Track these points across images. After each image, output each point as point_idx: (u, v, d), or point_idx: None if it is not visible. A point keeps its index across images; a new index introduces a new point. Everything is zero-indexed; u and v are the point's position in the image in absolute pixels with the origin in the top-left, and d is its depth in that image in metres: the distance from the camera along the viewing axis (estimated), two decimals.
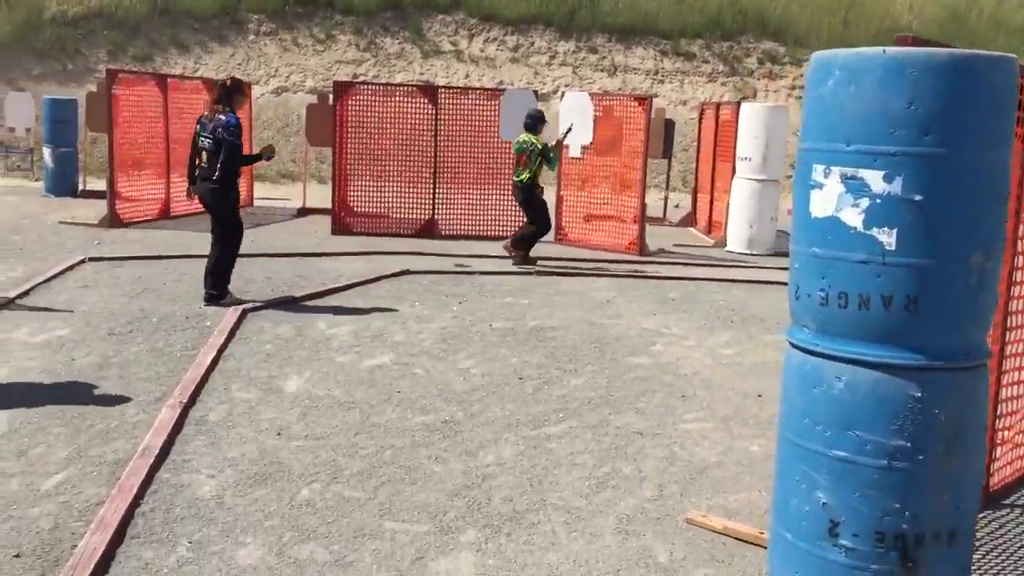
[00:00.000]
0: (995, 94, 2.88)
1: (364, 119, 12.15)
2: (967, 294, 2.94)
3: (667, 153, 14.85)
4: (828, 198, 3.02)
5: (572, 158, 12.14)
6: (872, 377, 2.98)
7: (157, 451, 4.43)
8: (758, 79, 23.41)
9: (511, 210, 12.45)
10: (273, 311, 7.52)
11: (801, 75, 23.60)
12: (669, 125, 14.87)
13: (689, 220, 14.97)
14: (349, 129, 12.08)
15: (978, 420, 3.08)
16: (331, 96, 12.71)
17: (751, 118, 12.28)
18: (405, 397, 5.63)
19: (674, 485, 4.52)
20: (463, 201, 12.45)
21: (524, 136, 10.32)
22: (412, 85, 13.67)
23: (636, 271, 10.38)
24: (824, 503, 3.08)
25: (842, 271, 3.00)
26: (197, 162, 7.62)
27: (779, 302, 9.06)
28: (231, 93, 7.61)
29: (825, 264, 3.04)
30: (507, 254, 10.32)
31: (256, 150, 10.12)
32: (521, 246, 10.30)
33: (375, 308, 7.85)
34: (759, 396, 6.05)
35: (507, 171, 12.38)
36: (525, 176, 10.22)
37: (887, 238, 2.91)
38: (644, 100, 11.73)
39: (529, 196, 10.30)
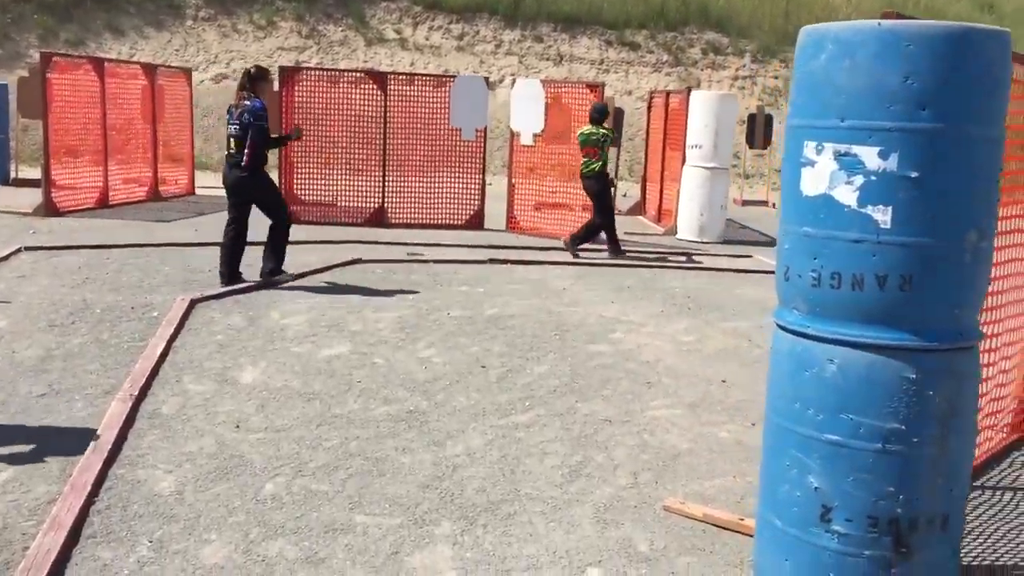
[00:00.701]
0: (991, 68, 2.82)
1: (311, 106, 11.88)
2: (962, 273, 2.89)
3: (616, 142, 14.78)
4: (820, 176, 2.94)
5: (523, 146, 12.03)
6: (866, 359, 2.92)
7: (110, 446, 4.21)
8: (702, 69, 23.53)
9: (461, 198, 12.32)
10: (223, 301, 7.27)
11: (743, 65, 23.81)
12: (619, 113, 14.82)
13: (638, 208, 14.95)
14: (295, 116, 11.78)
15: (971, 402, 3.03)
16: (275, 82, 12.40)
17: (701, 106, 12.29)
18: (366, 387, 5.47)
19: (648, 473, 4.44)
20: (413, 189, 12.26)
21: (588, 128, 10.41)
22: (361, 71, 13.41)
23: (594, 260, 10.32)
24: (816, 488, 3.01)
25: (835, 250, 2.92)
26: (226, 149, 7.77)
27: (733, 289, 9.10)
28: (255, 80, 7.69)
29: (818, 244, 2.96)
30: (613, 257, 10.39)
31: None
32: (614, 240, 10.49)
33: (329, 297, 7.65)
34: (723, 382, 6.00)
35: (457, 158, 12.26)
36: (598, 165, 10.33)
37: (882, 216, 2.84)
38: (596, 88, 11.65)
39: (604, 185, 10.43)
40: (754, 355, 6.72)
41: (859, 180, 2.86)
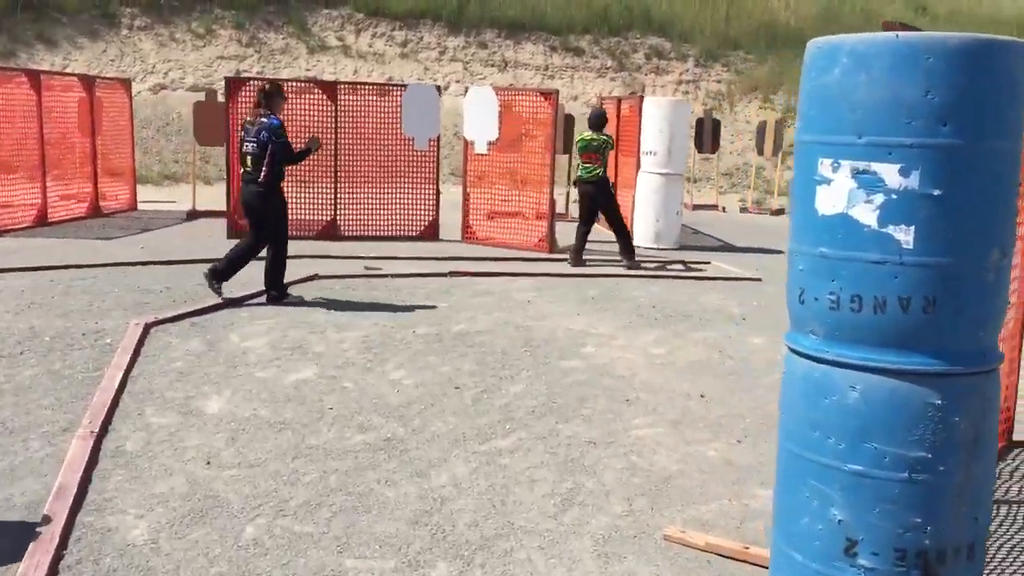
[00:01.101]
0: (1011, 81, 2.72)
1: None
2: (985, 293, 2.79)
3: (568, 148, 14.71)
4: (837, 194, 2.81)
5: (478, 155, 11.86)
6: (889, 385, 2.80)
7: (74, 490, 3.94)
8: (646, 74, 23.60)
9: (416, 209, 12.10)
10: (179, 325, 6.97)
11: (687, 70, 23.93)
12: (569, 120, 14.75)
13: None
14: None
15: (993, 426, 2.93)
16: (219, 93, 12.08)
17: (655, 113, 12.25)
18: (339, 414, 5.24)
19: (642, 498, 4.30)
20: (366, 201, 12.00)
21: (588, 133, 10.50)
22: (311, 81, 13.11)
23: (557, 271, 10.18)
24: (840, 520, 2.88)
25: (855, 272, 2.80)
26: (242, 168, 7.72)
27: (697, 297, 9.03)
28: (271, 96, 7.68)
29: (835, 265, 2.84)
30: (633, 270, 10.35)
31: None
32: (630, 251, 10.58)
33: (288, 317, 7.39)
34: (702, 396, 5.90)
35: (410, 169, 12.04)
36: (601, 171, 10.41)
37: (904, 236, 2.73)
38: (550, 95, 11.52)
39: (609, 190, 10.60)
40: (727, 367, 6.64)
41: (879, 199, 2.74)
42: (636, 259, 10.62)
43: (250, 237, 7.86)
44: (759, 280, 10.17)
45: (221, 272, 7.69)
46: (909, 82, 2.67)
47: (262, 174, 7.50)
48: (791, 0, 26.56)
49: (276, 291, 7.88)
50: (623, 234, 10.65)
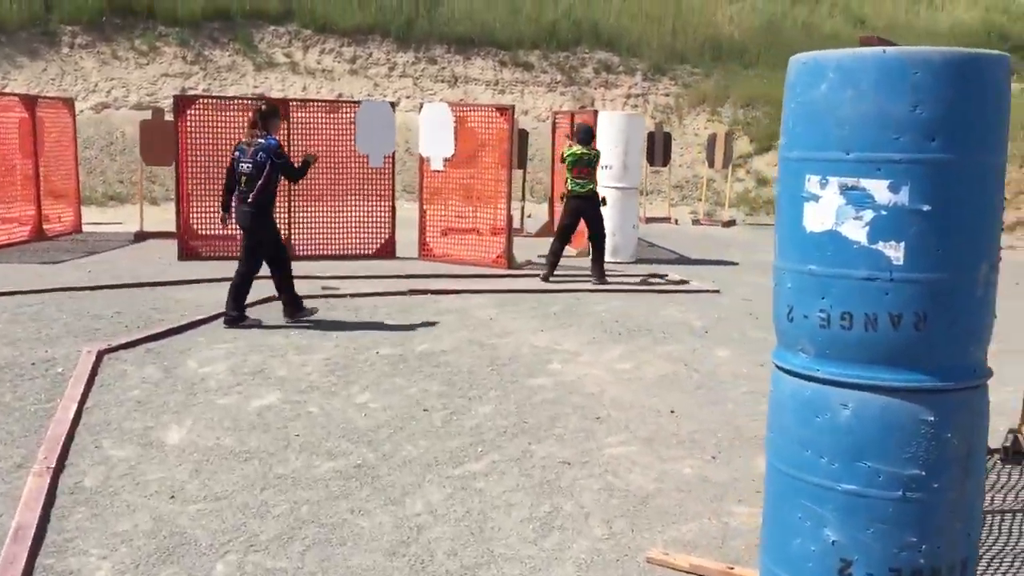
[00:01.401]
0: (997, 95, 2.72)
1: (209, 135, 11.33)
2: (975, 308, 2.77)
3: (522, 163, 14.69)
4: (826, 211, 2.78)
5: (434, 171, 11.77)
6: (881, 402, 2.77)
7: (33, 531, 3.75)
8: (595, 88, 23.70)
9: (371, 226, 11.96)
10: (133, 351, 6.76)
11: (635, 84, 24.09)
12: (523, 135, 14.72)
13: (547, 230, 14.82)
14: (193, 146, 11.24)
15: (984, 441, 2.92)
16: (167, 112, 11.85)
17: (609, 127, 12.26)
18: (306, 441, 5.10)
19: (621, 520, 4.23)
20: (320, 220, 11.83)
21: (578, 148, 10.46)
22: (261, 98, 12.91)
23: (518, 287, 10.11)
24: (834, 541, 2.84)
25: (845, 289, 2.77)
26: (236, 188, 7.62)
27: (658, 311, 9.01)
28: (266, 117, 7.65)
29: (825, 282, 2.80)
30: (600, 286, 10.31)
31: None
32: (601, 269, 10.53)
33: (247, 340, 7.22)
34: (672, 412, 5.86)
35: (364, 186, 11.90)
36: (592, 186, 10.44)
37: (894, 252, 2.70)
38: (506, 110, 11.47)
39: (599, 206, 10.55)
40: (694, 381, 6.62)
41: (869, 215, 2.71)
42: (605, 276, 10.55)
43: (242, 260, 7.75)
44: (717, 292, 10.20)
45: (236, 313, 7.64)
46: (897, 97, 2.65)
47: (253, 193, 7.46)
48: (734, 15, 26.91)
49: (294, 305, 7.86)
50: (600, 251, 10.63)
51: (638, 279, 10.77)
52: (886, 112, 2.67)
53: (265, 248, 7.71)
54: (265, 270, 7.85)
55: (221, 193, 7.86)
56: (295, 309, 7.89)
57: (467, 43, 22.92)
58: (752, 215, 19.25)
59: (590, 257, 10.75)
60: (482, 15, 23.24)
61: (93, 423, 5.26)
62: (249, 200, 7.49)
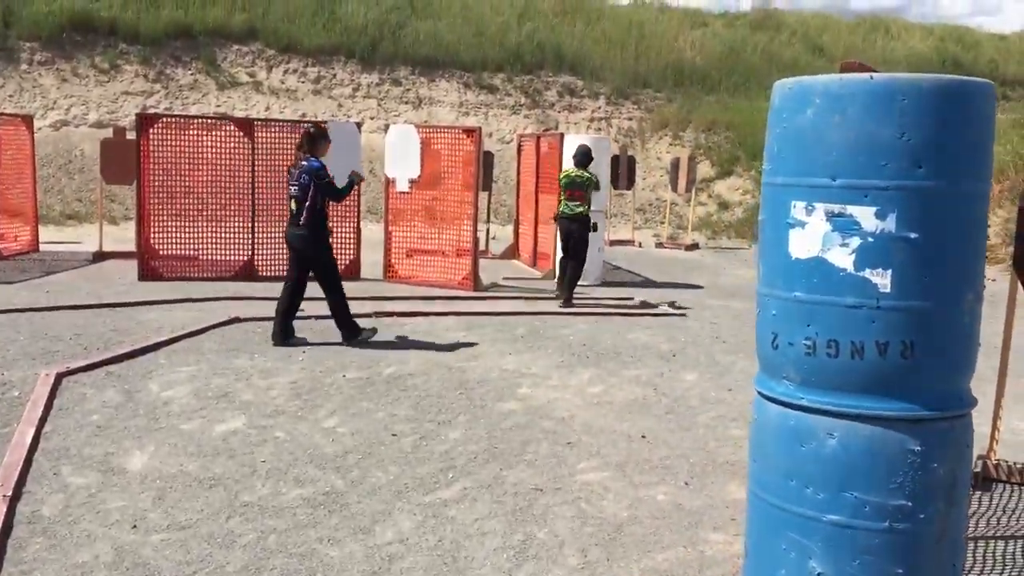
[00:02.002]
0: (982, 122, 2.72)
1: (172, 154, 11.16)
2: (961, 337, 2.76)
3: (487, 185, 14.65)
4: (812, 238, 2.76)
5: (400, 192, 11.69)
6: (867, 432, 2.74)
7: None
8: (559, 111, 23.81)
9: (336, 247, 11.79)
10: (93, 374, 6.59)
11: (599, 107, 24.23)
12: (488, 157, 14.70)
13: (512, 252, 14.81)
14: (154, 165, 11.06)
15: (968, 471, 2.90)
16: (128, 130, 11.66)
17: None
18: (272, 467, 4.98)
19: (596, 548, 4.16)
20: (284, 240, 11.65)
21: (574, 170, 10.45)
22: (226, 118, 12.78)
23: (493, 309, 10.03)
24: (819, 573, 2.80)
25: (831, 317, 2.74)
26: (288, 209, 7.80)
27: (624, 334, 8.99)
28: (314, 140, 7.75)
29: (811, 310, 2.78)
30: (561, 304, 10.31)
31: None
32: (571, 292, 10.44)
33: (210, 363, 7.07)
34: (643, 437, 5.81)
35: (330, 207, 11.75)
36: (584, 209, 10.39)
37: (881, 280, 2.68)
38: (473, 132, 11.44)
39: (587, 231, 10.47)
40: (664, 405, 6.59)
41: (855, 242, 2.69)
42: (570, 303, 10.40)
43: (288, 280, 7.94)
44: (684, 315, 10.21)
45: (282, 334, 7.75)
46: (884, 123, 2.64)
47: (305, 216, 7.58)
48: (696, 40, 27.22)
49: (350, 332, 7.92)
50: (576, 274, 10.59)
51: (614, 302, 10.74)
52: (873, 138, 2.65)
53: (322, 263, 7.87)
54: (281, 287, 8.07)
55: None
56: (353, 333, 7.95)
57: (432, 65, 22.93)
58: (714, 239, 19.38)
59: (565, 277, 10.62)
60: (446, 37, 23.28)
61: (51, 449, 5.09)
62: (300, 223, 7.63)
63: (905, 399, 2.72)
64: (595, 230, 10.81)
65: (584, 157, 10.60)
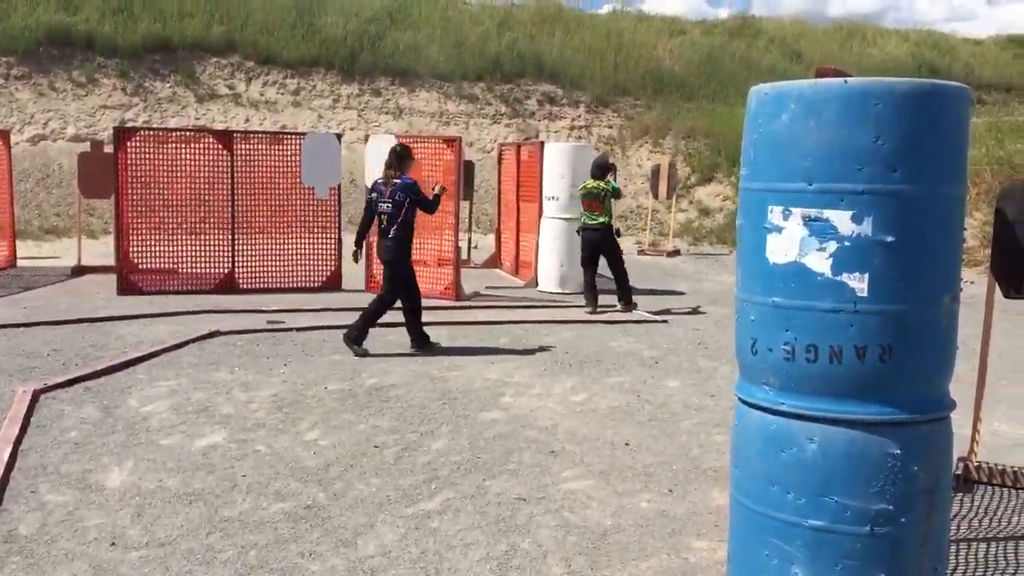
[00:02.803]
0: (957, 125, 2.73)
1: (150, 167, 11.10)
2: (939, 340, 2.77)
3: (468, 195, 14.63)
4: (789, 242, 2.76)
5: None
6: (848, 436, 2.74)
7: None
8: (539, 120, 23.83)
9: (317, 259, 11.79)
10: (71, 391, 6.52)
11: (579, 116, 24.28)
12: (469, 167, 14.68)
13: (494, 261, 14.79)
14: (133, 179, 10.99)
15: (949, 474, 2.90)
16: (106, 144, 11.59)
17: (557, 158, 12.28)
18: (253, 481, 4.94)
19: (580, 558, 4.14)
20: (264, 252, 11.63)
21: (591, 182, 10.55)
22: (205, 130, 12.73)
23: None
24: None
25: (810, 322, 2.74)
26: (378, 226, 8.15)
27: (606, 342, 8.98)
28: (402, 158, 8.18)
29: (789, 315, 2.78)
30: (623, 311, 10.49)
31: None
32: (628, 296, 10.60)
33: (190, 377, 7.01)
34: (627, 445, 5.80)
35: (310, 218, 11.74)
36: (605, 219, 10.47)
37: (858, 284, 2.69)
38: (453, 142, 11.43)
39: (613, 237, 10.56)
40: (647, 412, 6.58)
41: (832, 246, 2.70)
42: (632, 306, 10.62)
43: (383, 291, 8.26)
44: (665, 322, 10.22)
45: (358, 334, 8.00)
46: (859, 128, 2.64)
47: (395, 229, 7.97)
48: (674, 48, 27.33)
49: (419, 339, 8.24)
50: (623, 282, 10.68)
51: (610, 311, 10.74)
52: (848, 143, 2.66)
53: (401, 276, 8.17)
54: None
55: (358, 232, 8.45)
56: (423, 343, 8.28)
57: (411, 75, 22.91)
58: (695, 245, 19.42)
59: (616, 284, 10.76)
60: (426, 48, 23.28)
61: (29, 466, 5.03)
62: (391, 236, 7.99)
63: (884, 403, 2.72)
64: (619, 235, 10.89)
65: (599, 169, 10.72)
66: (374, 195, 8.14)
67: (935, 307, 2.72)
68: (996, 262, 4.24)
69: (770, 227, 2.79)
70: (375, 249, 8.43)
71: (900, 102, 2.64)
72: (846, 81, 2.68)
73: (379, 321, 8.17)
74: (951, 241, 2.75)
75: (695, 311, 10.90)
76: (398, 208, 7.95)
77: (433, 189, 8.50)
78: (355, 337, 8.00)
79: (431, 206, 8.31)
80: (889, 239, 2.65)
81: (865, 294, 2.68)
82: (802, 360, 2.76)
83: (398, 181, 8.03)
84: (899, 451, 2.71)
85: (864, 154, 2.64)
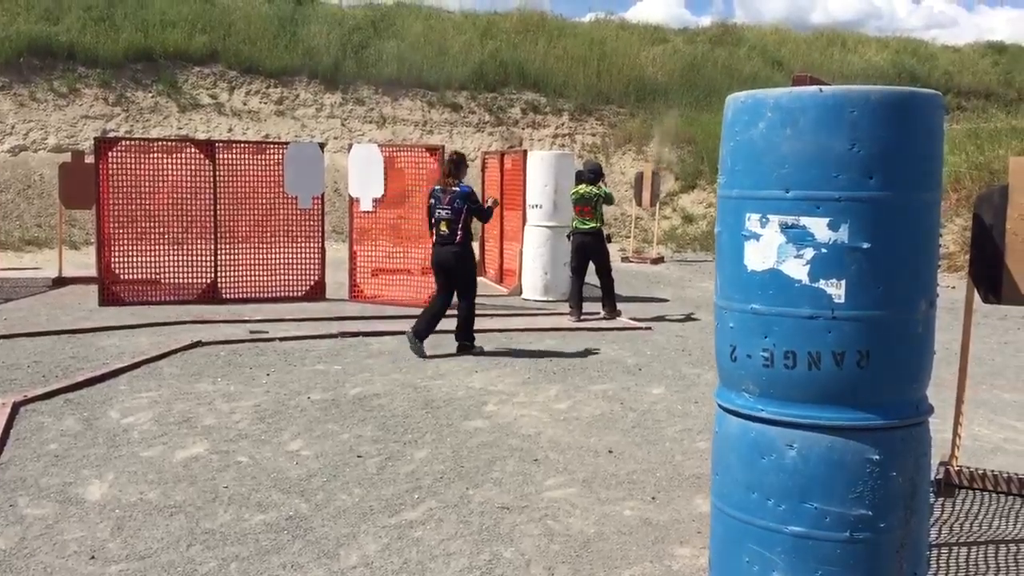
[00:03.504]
0: (931, 132, 2.75)
1: (132, 177, 11.05)
2: (915, 345, 2.78)
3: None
4: (767, 249, 2.77)
5: (364, 212, 11.65)
6: (826, 442, 2.75)
7: None
8: (523, 128, 23.88)
9: (301, 268, 11.77)
10: (51, 402, 6.47)
11: (562, 124, 24.34)
12: None
13: (478, 269, 14.76)
14: (115, 189, 10.94)
15: (927, 478, 2.92)
16: (87, 154, 11.54)
17: (539, 166, 12.31)
18: (235, 492, 4.91)
19: (563, 566, 4.13)
20: (247, 262, 11.59)
21: (584, 187, 10.60)
22: (187, 140, 12.68)
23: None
24: None
25: (788, 328, 2.75)
26: (435, 231, 8.46)
27: (591, 349, 8.98)
28: (458, 165, 8.50)
29: (768, 321, 2.79)
30: (607, 318, 10.57)
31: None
32: (612, 303, 10.69)
33: (172, 388, 6.98)
34: (610, 452, 5.80)
35: (293, 227, 11.72)
36: (596, 224, 10.52)
37: (835, 290, 2.70)
38: (436, 150, 11.43)
39: (603, 242, 10.60)
40: (630, 419, 6.58)
41: (809, 253, 2.71)
42: (616, 312, 10.67)
43: (440, 294, 8.58)
44: (649, 329, 10.23)
45: (423, 331, 8.41)
46: (835, 135, 2.66)
47: (458, 236, 8.27)
48: (656, 56, 27.44)
49: (468, 342, 8.60)
50: (609, 289, 10.72)
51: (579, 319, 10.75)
52: (824, 150, 2.67)
53: (467, 279, 8.55)
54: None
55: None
56: (469, 346, 8.64)
57: (395, 84, 22.92)
58: (679, 252, 19.48)
59: (602, 291, 10.77)
60: (409, 57, 23.30)
61: (8, 480, 4.99)
62: (455, 242, 8.30)
63: (862, 408, 2.73)
64: (609, 241, 10.95)
65: (592, 174, 10.78)
66: (432, 201, 8.47)
67: (912, 313, 2.74)
68: (975, 267, 4.26)
69: (748, 234, 2.80)
70: (433, 256, 8.64)
71: (875, 109, 2.65)
72: (821, 89, 2.69)
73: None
74: (927, 247, 2.77)
75: (688, 318, 10.94)
76: (457, 214, 8.26)
77: (487, 202, 8.99)
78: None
79: (485, 216, 8.72)
80: (865, 245, 2.67)
81: (842, 300, 2.69)
82: (781, 367, 2.77)
83: (456, 189, 8.35)
84: (878, 456, 2.72)
85: (840, 161, 2.66)
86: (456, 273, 8.46)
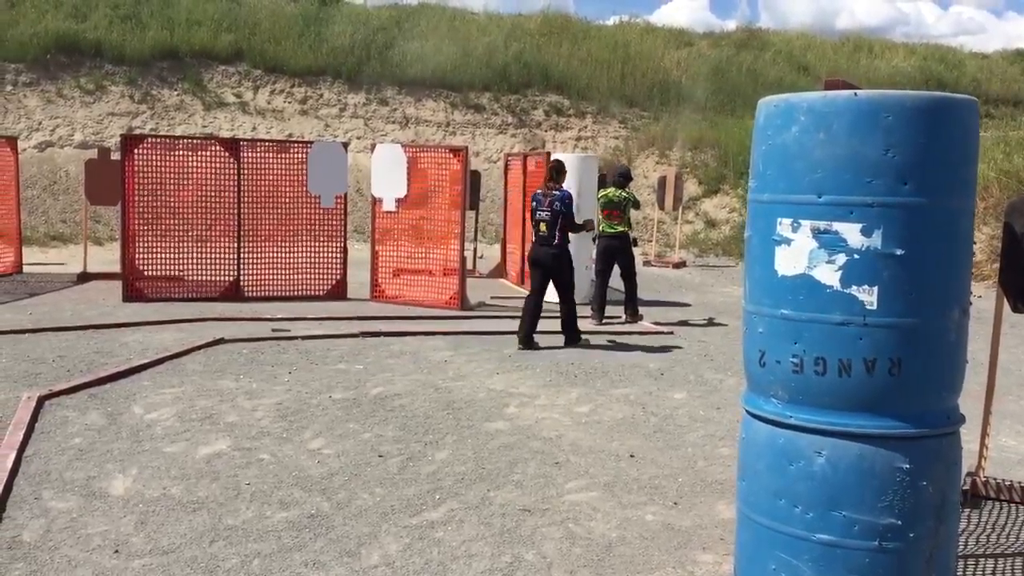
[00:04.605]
0: (967, 138, 2.72)
1: (157, 175, 11.12)
2: (948, 353, 2.75)
3: (475, 204, 14.64)
4: (798, 254, 2.75)
5: (386, 212, 11.67)
6: (856, 450, 2.72)
7: None
8: (546, 130, 23.88)
9: (323, 267, 11.80)
10: (76, 397, 6.52)
11: (585, 126, 24.31)
12: (475, 176, 14.68)
13: (500, 271, 14.79)
14: (139, 186, 11.01)
15: (958, 488, 2.88)
16: (113, 151, 11.62)
17: None
18: (257, 490, 4.92)
19: (585, 570, 4.11)
20: (270, 260, 11.63)
21: (612, 191, 10.65)
22: (212, 138, 12.75)
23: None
24: None
25: (818, 334, 2.73)
26: (535, 232, 9.01)
27: (612, 352, 8.96)
28: (558, 171, 9.10)
29: (798, 327, 2.76)
30: (629, 322, 10.57)
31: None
32: (635, 307, 10.70)
33: (195, 385, 7.01)
34: (632, 457, 5.77)
35: (316, 226, 11.75)
36: (624, 228, 10.61)
37: (867, 296, 2.67)
38: (459, 152, 11.44)
39: (629, 246, 10.67)
40: (652, 424, 6.55)
41: (841, 259, 2.68)
42: (638, 317, 10.65)
43: (533, 295, 9.02)
44: (671, 333, 10.19)
45: (529, 332, 8.93)
46: (869, 141, 2.63)
47: (556, 238, 8.76)
48: (681, 60, 27.36)
49: (574, 336, 9.08)
50: (632, 293, 10.70)
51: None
52: (858, 155, 2.65)
53: (566, 279, 9.00)
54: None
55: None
56: (576, 340, 9.11)
57: (418, 85, 22.97)
58: (701, 256, 19.40)
59: (625, 296, 10.75)
60: (433, 58, 23.34)
61: (33, 473, 5.02)
62: (555, 243, 8.79)
63: (893, 416, 2.70)
64: (635, 245, 10.95)
65: (621, 178, 10.82)
66: (534, 204, 8.98)
67: (944, 320, 2.70)
68: (1004, 276, 4.21)
69: (779, 239, 2.78)
70: (532, 253, 9.13)
71: (910, 115, 2.63)
72: (856, 94, 2.66)
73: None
74: (961, 254, 2.74)
75: (711, 323, 10.91)
76: (555, 217, 8.75)
77: (582, 223, 9.41)
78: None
79: (573, 226, 9.00)
80: (899, 252, 2.64)
81: (874, 307, 2.66)
82: (811, 373, 2.74)
83: (556, 192, 8.86)
84: (908, 465, 2.69)
85: (874, 166, 2.63)
86: (553, 271, 8.91)
